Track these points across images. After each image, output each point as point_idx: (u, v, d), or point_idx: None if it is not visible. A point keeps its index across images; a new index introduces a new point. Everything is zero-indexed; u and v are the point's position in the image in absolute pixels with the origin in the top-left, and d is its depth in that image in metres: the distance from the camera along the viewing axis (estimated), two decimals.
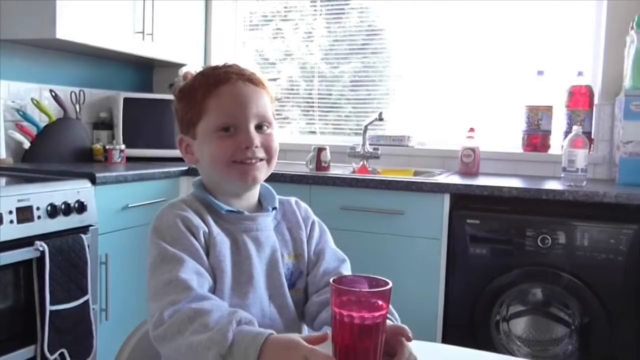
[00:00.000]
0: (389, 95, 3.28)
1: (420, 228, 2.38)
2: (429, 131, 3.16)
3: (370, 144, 2.97)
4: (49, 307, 1.90)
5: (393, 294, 2.66)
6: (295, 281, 1.15)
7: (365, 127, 2.93)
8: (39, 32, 2.42)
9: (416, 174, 2.83)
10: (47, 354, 1.90)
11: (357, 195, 2.47)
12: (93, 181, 2.19)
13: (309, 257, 1.17)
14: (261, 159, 1.09)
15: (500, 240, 2.28)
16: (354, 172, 2.85)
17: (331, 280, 0.89)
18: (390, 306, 0.97)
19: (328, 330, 0.92)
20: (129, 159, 2.84)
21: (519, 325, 2.35)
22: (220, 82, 1.08)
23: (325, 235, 1.23)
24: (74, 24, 2.47)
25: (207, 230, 1.06)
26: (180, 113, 1.12)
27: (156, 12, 2.92)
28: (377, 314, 0.87)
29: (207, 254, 1.04)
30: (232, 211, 1.10)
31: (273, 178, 2.55)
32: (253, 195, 1.16)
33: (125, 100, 2.93)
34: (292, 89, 3.52)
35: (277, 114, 3.51)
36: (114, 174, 2.31)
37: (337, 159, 3.01)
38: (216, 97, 1.07)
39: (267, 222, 1.14)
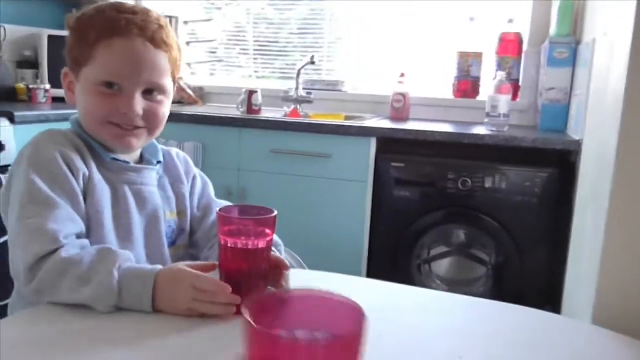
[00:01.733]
0: (331, 42, 3.26)
1: (347, 171, 2.42)
2: (363, 77, 3.17)
3: (304, 89, 2.96)
4: None
5: (320, 234, 2.70)
6: (175, 239, 1.09)
7: (298, 70, 2.91)
8: None
9: (347, 118, 2.85)
10: None
11: (286, 138, 2.48)
12: (11, 120, 2.12)
13: (192, 213, 1.12)
14: (141, 127, 1.01)
15: (423, 183, 2.34)
16: (285, 115, 2.84)
17: (217, 209, 0.91)
18: (276, 236, 0.98)
19: None
20: (56, 100, 2.76)
21: (442, 266, 2.44)
22: (116, 33, 0.96)
23: (207, 188, 1.17)
24: None
25: (87, 174, 0.97)
26: (69, 45, 1.01)
27: None
28: (261, 240, 0.89)
29: (84, 200, 0.96)
30: (116, 159, 1.02)
31: (202, 121, 2.56)
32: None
33: (50, 37, 2.82)
34: (239, 34, 3.45)
35: (220, 59, 3.45)
36: (35, 112, 2.25)
37: (273, 103, 3.00)
38: (107, 47, 0.96)
39: (151, 176, 1.06)
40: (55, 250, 0.86)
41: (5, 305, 1.04)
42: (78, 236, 0.92)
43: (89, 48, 0.97)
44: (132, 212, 1.01)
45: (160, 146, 1.12)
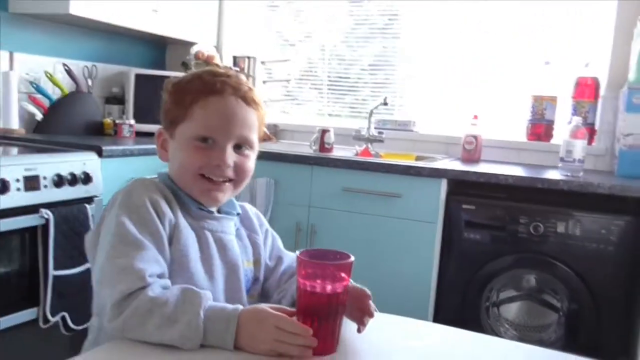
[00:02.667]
0: (403, 80, 3.30)
1: (418, 211, 2.43)
2: (435, 117, 3.18)
3: (375, 128, 3.01)
4: (52, 272, 1.98)
5: (388, 274, 2.71)
6: (250, 287, 1.14)
7: (371, 111, 2.97)
8: (53, 7, 2.49)
9: (418, 159, 2.87)
10: (49, 316, 1.98)
11: (357, 177, 2.52)
12: (100, 154, 2.26)
13: (265, 264, 1.18)
14: (230, 180, 1.08)
15: (494, 226, 2.32)
16: (356, 154, 2.89)
17: (297, 252, 0.95)
18: (351, 280, 1.01)
19: None
20: (139, 134, 2.91)
21: (512, 310, 2.39)
22: (213, 93, 1.05)
23: (277, 240, 1.24)
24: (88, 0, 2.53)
25: (173, 220, 1.03)
26: (166, 107, 1.09)
27: None
28: (339, 284, 0.93)
29: (170, 245, 1.01)
30: (201, 209, 1.09)
31: (276, 158, 2.64)
32: None
33: (137, 76, 3.00)
34: (311, 71, 3.55)
35: (293, 96, 3.55)
36: (120, 147, 2.38)
37: (344, 141, 3.06)
38: (203, 107, 1.04)
39: (230, 225, 1.13)
40: (142, 288, 0.91)
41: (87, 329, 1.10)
42: (160, 276, 0.96)
43: (186, 108, 1.05)
44: (215, 259, 1.07)
45: (236, 201, 1.18)
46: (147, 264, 0.94)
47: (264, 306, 0.94)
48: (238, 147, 1.07)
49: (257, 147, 1.12)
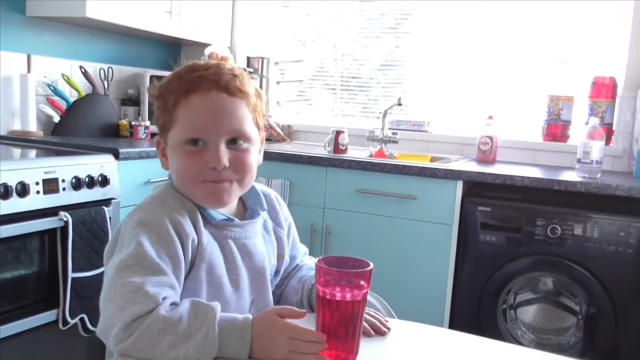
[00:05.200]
0: (416, 79, 3.29)
1: (433, 213, 2.42)
2: (449, 117, 3.17)
3: (389, 129, 3.00)
4: (71, 274, 2.00)
5: (404, 277, 2.70)
6: (272, 280, 1.14)
7: (385, 111, 2.96)
8: (69, 10, 2.51)
9: (433, 160, 2.86)
10: (68, 318, 2.00)
11: (372, 178, 2.52)
12: (116, 156, 2.28)
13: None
14: (231, 180, 1.01)
15: (510, 228, 2.31)
16: (370, 156, 2.89)
17: (316, 260, 0.95)
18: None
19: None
20: (155, 135, 2.93)
21: (529, 313, 2.38)
22: (192, 90, 0.98)
23: (296, 234, 1.22)
24: (104, 2, 2.55)
25: (196, 239, 0.99)
26: (156, 114, 1.05)
27: None
28: (358, 292, 0.93)
29: (192, 265, 0.98)
30: (223, 219, 1.04)
31: (291, 159, 2.64)
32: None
33: (152, 77, 3.01)
34: (323, 70, 3.55)
35: (306, 97, 3.55)
36: (137, 149, 2.40)
37: (358, 142, 3.05)
38: (186, 107, 0.99)
39: (254, 229, 1.09)
40: (153, 309, 0.87)
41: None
42: (172, 304, 0.92)
43: (170, 112, 1.00)
44: (240, 267, 1.05)
45: (260, 188, 1.13)
46: (162, 288, 0.91)
47: (272, 313, 0.93)
48: (233, 142, 1.00)
49: (257, 138, 1.04)
